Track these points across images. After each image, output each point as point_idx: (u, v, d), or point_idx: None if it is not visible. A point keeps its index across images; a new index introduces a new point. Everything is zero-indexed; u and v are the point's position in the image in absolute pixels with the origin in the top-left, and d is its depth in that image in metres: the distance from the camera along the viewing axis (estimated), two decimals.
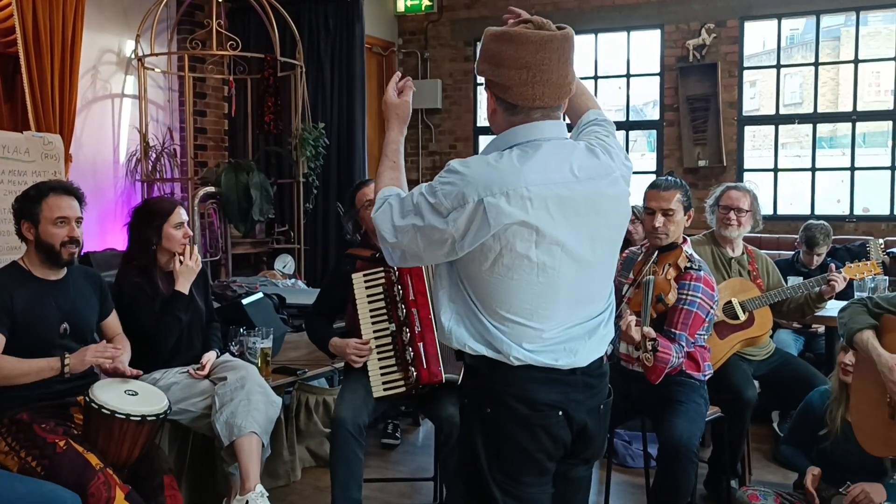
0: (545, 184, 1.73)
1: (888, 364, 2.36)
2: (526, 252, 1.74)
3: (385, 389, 3.02)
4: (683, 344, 2.93)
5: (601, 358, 1.89)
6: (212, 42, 5.79)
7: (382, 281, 3.06)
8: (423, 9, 7.94)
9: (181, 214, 3.25)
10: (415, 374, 2.97)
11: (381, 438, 4.34)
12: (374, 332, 3.06)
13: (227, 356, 3.37)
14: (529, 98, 1.76)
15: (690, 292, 2.97)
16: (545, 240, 1.74)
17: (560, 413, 1.81)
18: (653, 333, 2.72)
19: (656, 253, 3.11)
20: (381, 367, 3.04)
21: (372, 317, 3.07)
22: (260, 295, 4.24)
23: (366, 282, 3.07)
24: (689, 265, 3.03)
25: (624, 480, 3.82)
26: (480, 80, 1.96)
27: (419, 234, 1.78)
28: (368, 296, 3.07)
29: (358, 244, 3.32)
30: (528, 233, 1.72)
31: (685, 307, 2.95)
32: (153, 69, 5.97)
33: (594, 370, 1.87)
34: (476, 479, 1.84)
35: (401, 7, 8.03)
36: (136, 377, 2.90)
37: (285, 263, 6.24)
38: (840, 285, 3.58)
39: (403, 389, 3.01)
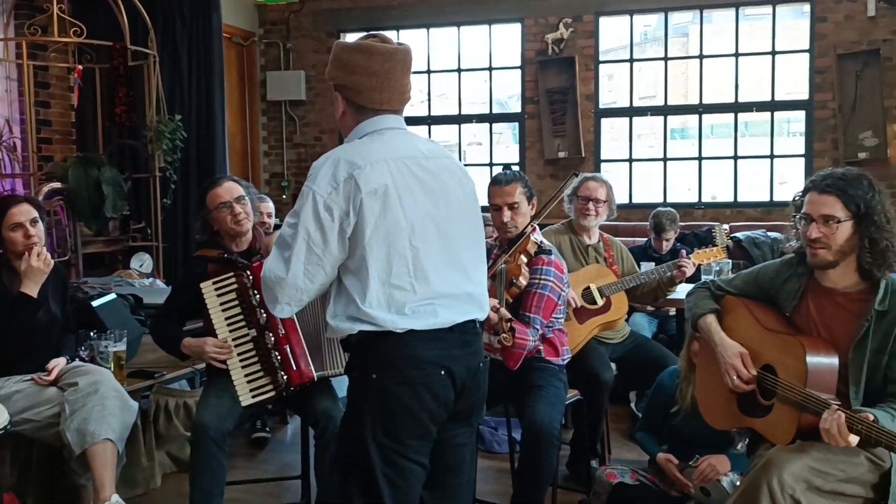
0: (398, 157, 2.00)
1: (729, 351, 2.49)
2: (396, 219, 1.97)
3: (254, 396, 2.92)
4: (538, 327, 3.02)
5: (474, 320, 2.11)
6: (53, 28, 5.43)
7: (235, 286, 2.95)
8: None
9: (17, 215, 3.03)
10: (285, 377, 2.90)
11: (251, 435, 4.23)
12: (234, 339, 2.95)
13: (77, 362, 3.19)
14: (378, 101, 2.04)
15: (542, 276, 3.07)
16: (409, 207, 1.99)
17: (442, 372, 2.00)
18: (508, 315, 2.80)
19: (511, 246, 3.18)
20: (246, 375, 2.93)
21: (229, 324, 2.96)
22: (113, 296, 4.03)
23: (216, 289, 2.96)
24: (538, 249, 3.14)
25: (490, 466, 3.90)
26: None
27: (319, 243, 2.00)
28: (222, 303, 2.96)
29: (207, 245, 3.20)
30: (395, 200, 1.97)
31: (538, 291, 3.05)
32: None
33: (469, 328, 2.08)
34: (359, 450, 1.98)
35: None
36: None
37: (142, 262, 5.95)
38: (690, 270, 3.78)
39: (274, 394, 2.93)
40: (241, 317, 2.96)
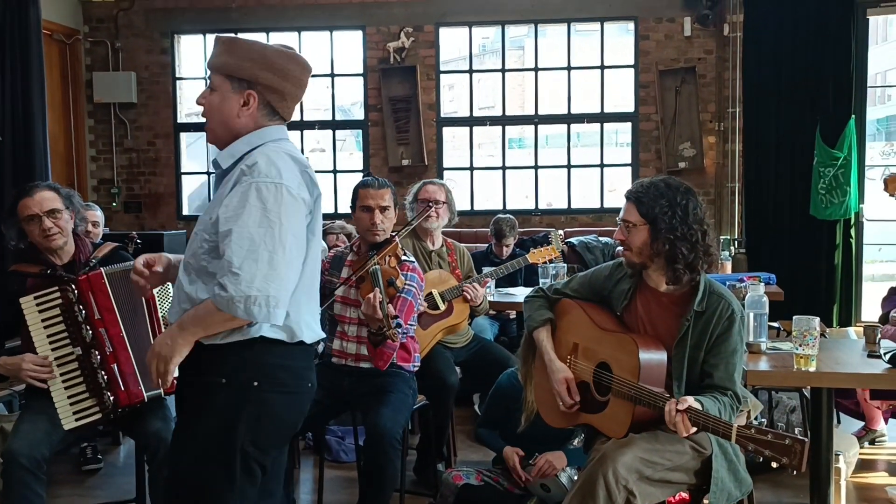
0: (307, 172, 2.00)
1: (556, 375, 2.63)
2: (310, 233, 1.99)
3: (78, 419, 2.75)
4: (402, 332, 3.05)
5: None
6: None
7: (59, 301, 2.76)
8: None
9: None
10: (112, 397, 2.74)
11: (80, 465, 3.96)
12: (57, 358, 2.76)
13: None
14: (290, 112, 2.07)
15: (408, 282, 3.14)
16: (310, 222, 1.99)
17: (310, 385, 2.06)
18: (395, 311, 2.83)
19: (373, 250, 3.17)
20: (69, 396, 2.75)
21: (52, 342, 2.76)
22: None
23: (38, 305, 2.76)
24: (405, 256, 3.21)
25: (337, 476, 3.86)
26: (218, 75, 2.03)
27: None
28: (44, 320, 2.76)
29: (25, 256, 2.97)
30: (319, 203, 2.02)
31: (402, 295, 3.09)
32: None
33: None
34: (222, 457, 1.93)
35: None
36: None
37: None
38: (470, 293, 3.82)
39: (100, 416, 2.77)
40: (65, 334, 2.78)
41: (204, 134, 7.56)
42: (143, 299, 2.82)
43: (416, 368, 3.31)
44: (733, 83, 6.86)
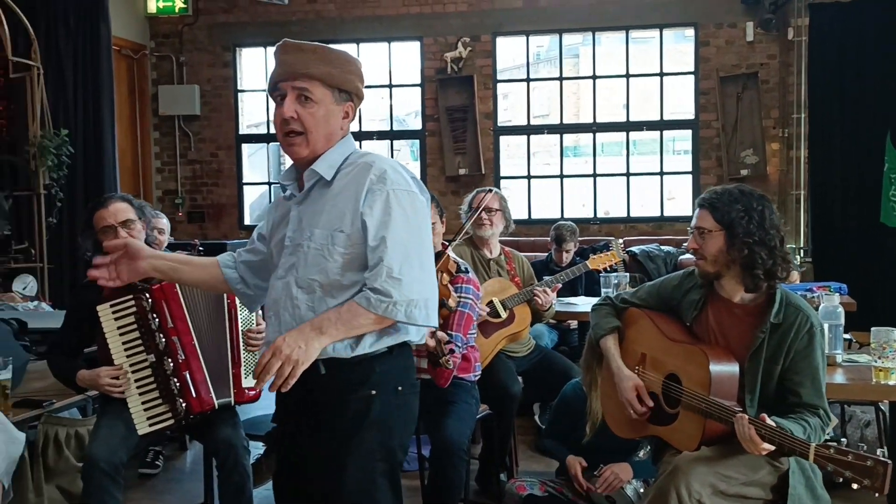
0: (416, 180, 2.02)
1: (624, 384, 2.58)
2: None
3: (151, 425, 2.80)
4: (459, 345, 3.04)
5: None
6: None
7: (134, 310, 2.82)
8: (176, 11, 7.56)
9: None
10: (184, 404, 2.79)
11: (138, 468, 4.04)
12: (132, 364, 2.82)
13: None
14: None
15: (463, 294, 3.12)
16: None
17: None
18: (447, 337, 2.82)
19: None
20: (143, 402, 2.80)
21: (126, 349, 2.82)
22: None
23: (114, 313, 2.82)
24: (458, 269, 3.16)
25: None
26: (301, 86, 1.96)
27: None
28: (119, 327, 2.82)
29: None
30: None
31: (459, 309, 3.07)
32: None
33: None
34: (386, 465, 1.94)
35: (152, 8, 7.58)
36: None
37: (26, 284, 5.62)
38: (541, 297, 3.81)
39: (172, 422, 2.82)
40: (139, 341, 2.84)
41: (264, 145, 7.68)
42: (225, 309, 2.87)
43: (477, 377, 3.31)
44: (798, 88, 6.72)
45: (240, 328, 2.90)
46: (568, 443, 3.33)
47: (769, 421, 2.16)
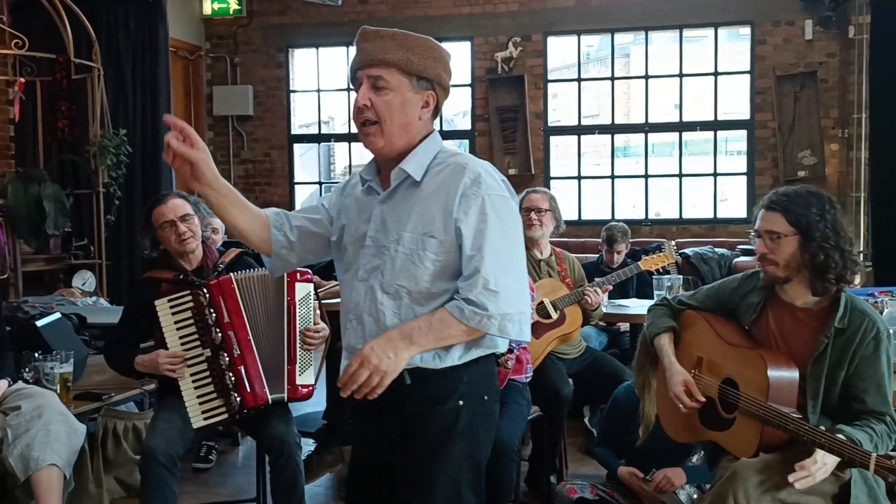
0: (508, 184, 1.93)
1: (674, 379, 2.52)
2: None
3: (206, 419, 2.84)
4: (514, 346, 3.03)
5: None
6: None
7: (191, 305, 2.87)
8: (231, 13, 7.69)
9: None
10: (238, 399, 2.82)
11: (192, 462, 4.12)
12: (186, 358, 2.86)
13: (20, 384, 3.06)
14: None
15: None
16: None
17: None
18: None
19: None
20: (198, 396, 2.84)
21: (183, 343, 2.87)
22: (57, 315, 3.88)
23: (171, 307, 2.87)
24: None
25: None
26: (374, 76, 1.82)
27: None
28: (176, 322, 2.87)
29: (157, 264, 3.11)
30: None
31: None
32: None
33: None
34: (473, 476, 1.89)
35: (207, 10, 7.73)
36: None
37: (85, 280, 5.78)
38: (591, 297, 3.77)
39: (226, 416, 2.85)
40: (195, 336, 2.88)
41: (315, 145, 7.74)
42: (284, 306, 2.91)
43: (529, 379, 3.29)
44: (858, 88, 6.55)
45: (297, 326, 2.93)
46: (619, 447, 3.30)
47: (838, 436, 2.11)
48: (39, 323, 3.61)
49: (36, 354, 3.20)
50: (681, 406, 2.50)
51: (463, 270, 1.79)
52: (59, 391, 3.14)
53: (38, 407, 2.84)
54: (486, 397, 1.89)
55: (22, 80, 5.60)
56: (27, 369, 3.17)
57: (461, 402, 1.85)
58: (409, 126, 1.86)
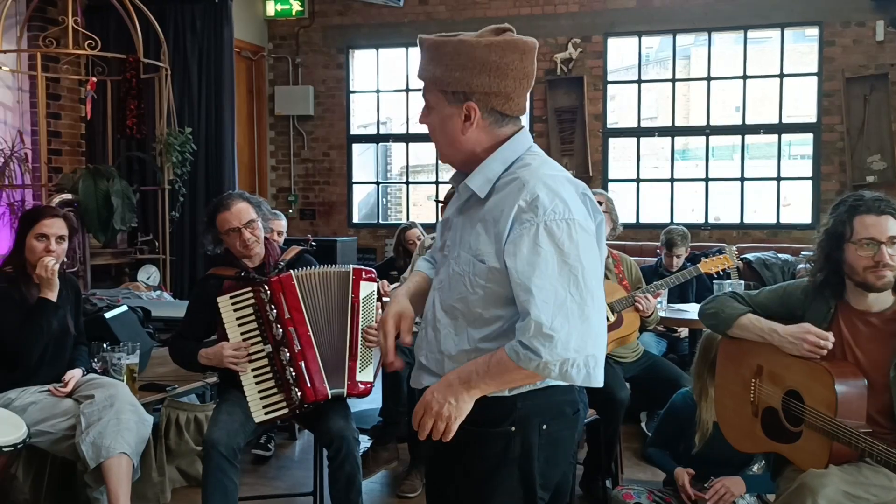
0: (587, 195, 1.73)
1: (796, 331, 2.37)
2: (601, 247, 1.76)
3: (267, 413, 2.90)
4: None
5: None
6: (67, 40, 5.44)
7: (252, 301, 2.92)
8: (293, 14, 7.81)
9: (47, 226, 3.02)
10: (299, 393, 2.87)
11: (252, 450, 4.20)
12: (249, 354, 2.92)
13: (92, 374, 3.17)
14: (521, 108, 1.73)
15: None
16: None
17: (579, 410, 1.83)
18: None
19: None
20: (259, 391, 2.90)
21: (244, 339, 2.93)
22: (124, 308, 4.01)
23: (233, 304, 2.93)
24: None
25: None
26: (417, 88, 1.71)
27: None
28: (238, 318, 2.93)
29: (220, 261, 3.18)
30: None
31: None
32: (0, 67, 5.55)
33: None
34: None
35: (271, 11, 7.86)
36: None
37: (149, 275, 5.94)
38: (642, 304, 3.69)
39: (287, 411, 2.90)
40: (256, 332, 2.94)
41: (373, 145, 7.80)
42: (349, 304, 2.94)
43: None
44: None
45: (360, 324, 2.96)
46: (675, 453, 3.25)
47: None
48: (108, 315, 3.73)
49: (104, 345, 3.31)
50: (827, 343, 2.32)
51: (517, 306, 1.62)
52: (125, 382, 3.24)
53: (110, 396, 2.93)
54: (545, 426, 1.73)
55: (94, 79, 5.78)
56: (96, 360, 3.27)
57: (513, 428, 1.72)
58: (454, 143, 1.73)
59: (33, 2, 5.70)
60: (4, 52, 5.43)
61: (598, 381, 1.61)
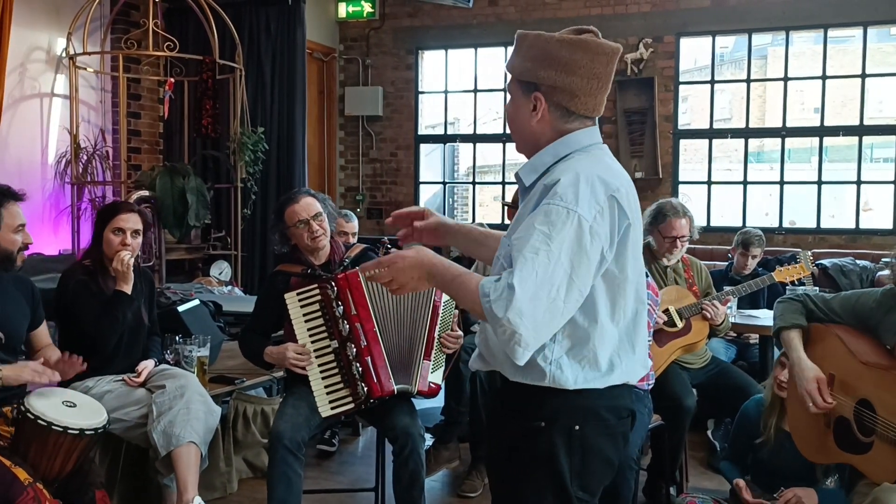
0: (630, 184, 1.75)
1: (806, 374, 2.39)
2: (634, 253, 1.72)
3: (333, 408, 2.93)
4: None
5: None
6: (147, 42, 5.64)
7: (319, 298, 2.97)
8: (364, 15, 7.91)
9: (123, 221, 3.14)
10: (365, 389, 2.89)
11: (317, 445, 4.27)
12: (316, 350, 2.97)
13: (164, 365, 3.27)
14: (591, 108, 1.75)
15: None
16: (637, 241, 1.74)
17: (629, 417, 1.83)
18: None
19: None
20: (325, 386, 2.94)
21: (311, 335, 2.98)
22: (196, 302, 4.12)
23: (300, 300, 2.98)
24: None
25: None
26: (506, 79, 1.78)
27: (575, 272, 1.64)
28: (305, 314, 2.98)
29: (287, 258, 3.24)
30: (635, 232, 1.72)
31: None
32: (85, 68, 5.78)
33: None
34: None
35: (342, 13, 7.98)
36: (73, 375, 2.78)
37: (221, 270, 6.10)
38: (710, 311, 3.60)
39: (353, 406, 2.93)
40: (323, 328, 2.98)
41: (440, 145, 7.85)
42: (430, 307, 2.96)
43: (651, 386, 3.21)
44: None
45: (437, 327, 2.98)
46: (745, 463, 3.18)
47: None
48: (181, 308, 3.84)
49: (177, 338, 3.42)
50: (811, 405, 2.36)
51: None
52: (196, 373, 3.33)
53: (181, 387, 3.02)
54: (577, 427, 1.73)
55: (172, 79, 5.97)
56: (168, 351, 3.38)
57: (542, 424, 1.73)
58: (522, 132, 1.79)
59: (117, 5, 5.92)
60: (89, 53, 5.65)
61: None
